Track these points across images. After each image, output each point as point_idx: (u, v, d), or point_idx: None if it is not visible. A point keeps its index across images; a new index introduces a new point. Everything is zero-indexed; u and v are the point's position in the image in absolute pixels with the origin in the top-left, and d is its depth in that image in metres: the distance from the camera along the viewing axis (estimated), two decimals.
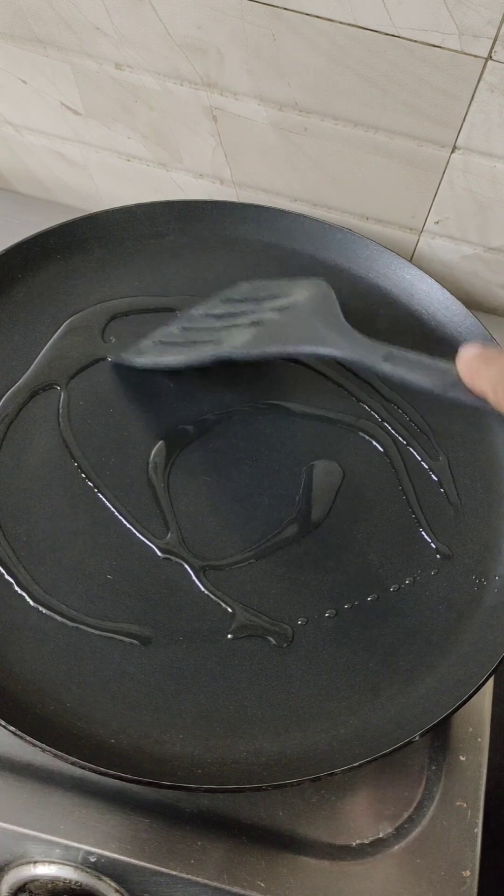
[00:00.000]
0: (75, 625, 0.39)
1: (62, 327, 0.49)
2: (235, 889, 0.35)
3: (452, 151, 0.49)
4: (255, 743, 0.37)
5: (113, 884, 0.37)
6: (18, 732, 0.34)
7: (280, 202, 0.56)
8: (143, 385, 0.48)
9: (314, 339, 0.41)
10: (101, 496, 0.43)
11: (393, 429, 0.48)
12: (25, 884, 0.38)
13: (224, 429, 0.47)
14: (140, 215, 0.54)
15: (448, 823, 0.38)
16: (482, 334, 0.51)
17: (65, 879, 0.37)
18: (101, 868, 0.36)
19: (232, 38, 0.46)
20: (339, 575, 0.42)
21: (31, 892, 0.38)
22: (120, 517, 0.42)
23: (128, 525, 0.42)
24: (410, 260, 0.56)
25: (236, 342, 0.43)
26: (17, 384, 0.46)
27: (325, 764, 0.35)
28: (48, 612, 0.39)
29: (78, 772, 0.37)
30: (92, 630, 0.39)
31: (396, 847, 0.37)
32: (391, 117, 0.48)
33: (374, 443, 0.47)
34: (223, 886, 0.35)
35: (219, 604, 0.40)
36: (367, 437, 0.47)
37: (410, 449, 0.47)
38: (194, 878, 0.35)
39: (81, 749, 0.35)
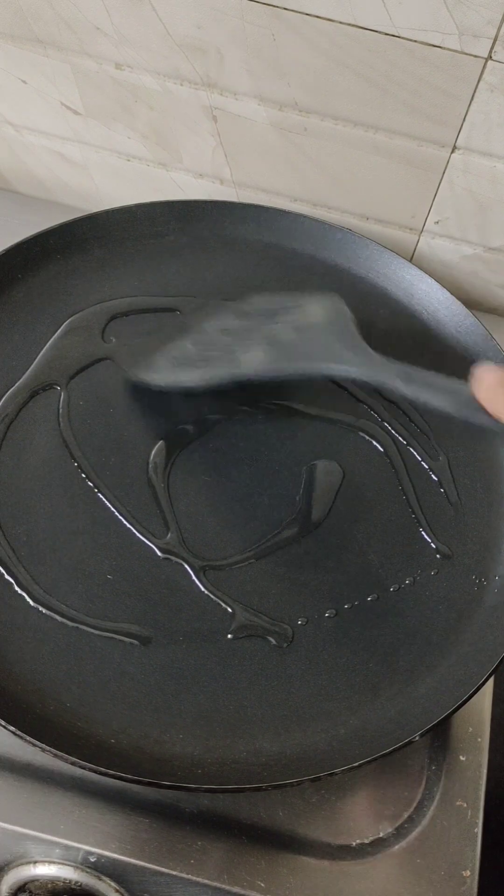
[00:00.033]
0: (75, 625, 0.39)
1: (62, 327, 0.49)
2: (235, 889, 0.35)
3: (452, 151, 0.49)
4: (255, 743, 0.37)
5: (113, 884, 0.37)
6: (18, 732, 0.34)
7: (280, 202, 0.56)
8: (143, 385, 0.48)
9: (331, 358, 0.41)
10: (101, 496, 0.43)
11: (393, 429, 0.48)
12: (25, 884, 0.38)
13: (224, 429, 0.47)
14: (140, 215, 0.54)
15: (448, 823, 0.38)
16: (482, 334, 0.51)
17: (65, 879, 0.37)
18: (101, 868, 0.36)
19: (232, 38, 0.46)
20: (339, 575, 0.42)
21: (31, 892, 0.38)
22: (120, 517, 0.42)
23: (128, 525, 0.42)
24: (410, 260, 0.56)
25: (253, 363, 0.42)
26: (17, 384, 0.46)
27: (325, 764, 0.35)
28: (48, 612, 0.39)
29: (78, 772, 0.37)
30: (92, 630, 0.39)
31: (396, 847, 0.37)
32: (391, 117, 0.48)
33: (374, 443, 0.47)
34: (223, 886, 0.35)
35: (219, 604, 0.40)
36: (367, 437, 0.47)
37: (410, 449, 0.47)
38: (194, 878, 0.35)
39: (81, 749, 0.35)
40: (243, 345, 0.44)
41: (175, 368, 0.45)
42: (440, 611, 0.42)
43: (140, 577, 0.41)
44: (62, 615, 0.39)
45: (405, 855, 0.37)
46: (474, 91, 0.45)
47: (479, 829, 0.38)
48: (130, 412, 0.46)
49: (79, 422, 0.46)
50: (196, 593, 0.41)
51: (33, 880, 0.38)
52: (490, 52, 0.43)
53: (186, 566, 0.41)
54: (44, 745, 0.33)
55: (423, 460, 0.47)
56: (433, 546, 0.44)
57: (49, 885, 0.38)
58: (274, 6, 0.44)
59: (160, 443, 0.45)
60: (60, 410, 0.46)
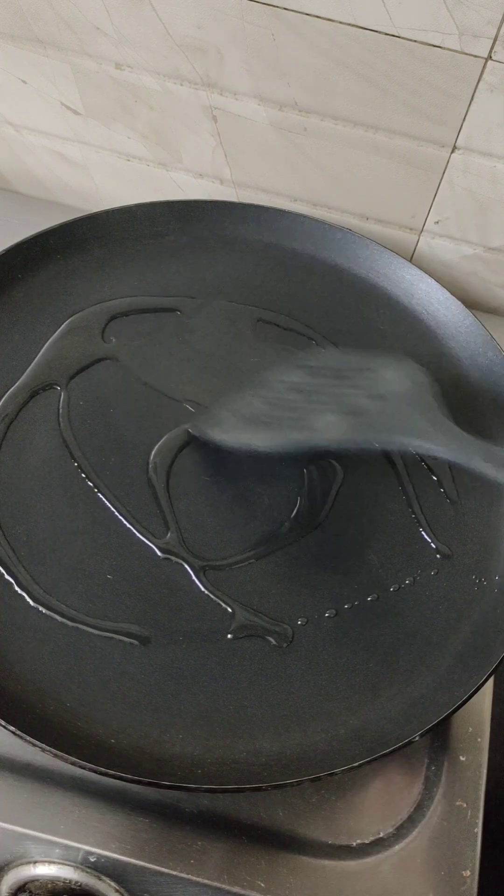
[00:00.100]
0: (75, 625, 0.39)
1: (62, 327, 0.49)
2: (235, 889, 0.35)
3: (452, 151, 0.49)
4: (254, 743, 0.37)
5: (113, 884, 0.37)
6: (18, 732, 0.34)
7: (280, 202, 0.56)
8: (143, 385, 0.48)
9: (413, 433, 0.40)
10: (101, 496, 0.43)
11: None
12: (25, 884, 0.38)
13: None
14: (140, 215, 0.54)
15: (448, 823, 0.38)
16: (482, 334, 0.51)
17: (65, 879, 0.37)
18: (101, 868, 0.36)
19: (232, 38, 0.46)
20: (339, 575, 0.42)
21: (31, 892, 0.38)
22: (120, 517, 0.42)
23: (128, 525, 0.42)
24: (410, 260, 0.56)
25: (328, 432, 0.40)
26: (17, 384, 0.46)
27: (325, 764, 0.35)
28: (48, 612, 0.39)
29: (78, 772, 0.37)
30: (92, 630, 0.39)
31: (396, 847, 0.37)
32: (391, 117, 0.48)
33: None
34: (223, 886, 0.35)
35: (219, 604, 0.40)
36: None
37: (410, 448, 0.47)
38: (194, 878, 0.35)
39: (81, 749, 0.35)
40: (314, 407, 0.42)
41: (241, 426, 0.43)
42: (440, 611, 0.42)
43: (140, 577, 0.41)
44: (62, 615, 0.39)
45: (405, 855, 0.37)
46: (474, 91, 0.45)
47: (479, 829, 0.38)
48: (130, 412, 0.46)
49: (79, 422, 0.46)
50: (196, 593, 0.41)
51: (33, 880, 0.38)
52: (490, 52, 0.43)
53: (186, 566, 0.41)
54: (44, 745, 0.33)
55: (422, 459, 0.47)
56: (433, 546, 0.44)
57: (49, 885, 0.38)
58: (274, 6, 0.44)
59: (160, 443, 0.45)
60: (60, 410, 0.46)
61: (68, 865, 0.36)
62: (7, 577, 0.40)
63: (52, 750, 0.33)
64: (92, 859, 0.36)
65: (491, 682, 0.40)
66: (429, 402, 0.41)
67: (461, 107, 0.46)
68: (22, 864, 0.37)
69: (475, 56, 0.43)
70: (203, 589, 0.41)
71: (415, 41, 0.43)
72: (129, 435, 0.46)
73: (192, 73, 0.49)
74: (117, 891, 0.37)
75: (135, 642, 0.39)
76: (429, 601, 0.42)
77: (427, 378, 0.43)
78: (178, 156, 0.56)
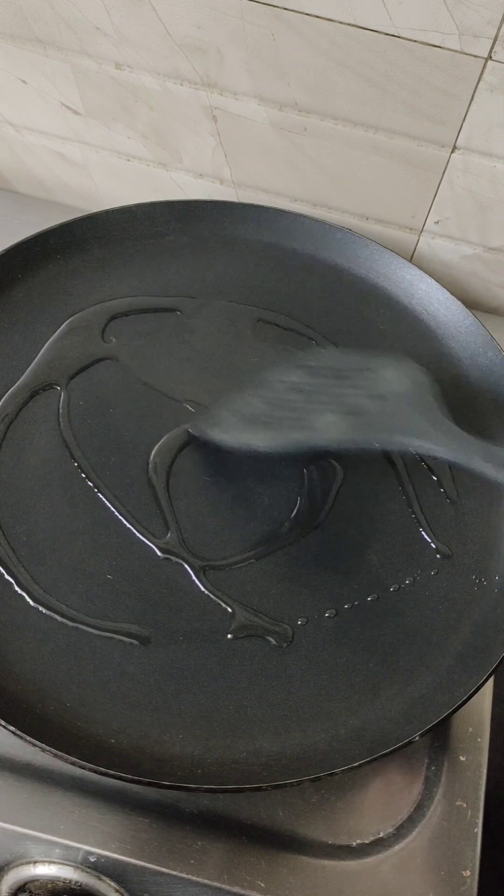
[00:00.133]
0: (75, 625, 0.39)
1: (62, 327, 0.49)
2: (235, 889, 0.35)
3: (452, 151, 0.49)
4: (254, 743, 0.37)
5: (113, 884, 0.37)
6: (18, 732, 0.34)
7: (280, 202, 0.56)
8: (143, 385, 0.48)
9: (413, 433, 0.40)
10: (101, 496, 0.43)
11: None
12: (25, 884, 0.38)
13: None
14: (140, 215, 0.54)
15: (448, 823, 0.38)
16: (482, 334, 0.51)
17: (65, 879, 0.37)
18: (101, 868, 0.36)
19: (232, 38, 0.46)
20: (339, 575, 0.42)
21: (31, 892, 0.38)
22: (120, 517, 0.42)
23: (128, 525, 0.42)
24: (410, 260, 0.56)
25: (329, 432, 0.40)
26: (17, 384, 0.46)
27: (325, 764, 0.35)
28: (48, 612, 0.39)
29: (78, 772, 0.37)
30: (92, 630, 0.39)
31: (396, 847, 0.37)
32: (391, 117, 0.48)
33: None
34: (223, 886, 0.35)
35: (219, 604, 0.40)
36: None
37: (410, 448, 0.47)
38: (194, 878, 0.35)
39: (81, 749, 0.35)
40: (314, 407, 0.41)
41: (242, 426, 0.43)
42: (440, 611, 0.42)
43: (140, 577, 0.41)
44: (62, 615, 0.39)
45: (405, 855, 0.37)
46: (474, 91, 0.45)
47: (479, 829, 0.38)
48: (130, 412, 0.46)
49: (79, 422, 0.46)
50: (196, 593, 0.41)
51: (33, 880, 0.38)
52: (490, 52, 0.43)
53: (186, 566, 0.41)
54: (44, 745, 0.33)
55: (422, 459, 0.47)
56: (433, 546, 0.44)
57: (49, 885, 0.38)
58: (274, 6, 0.44)
59: (160, 443, 0.45)
60: (60, 410, 0.46)
61: (68, 865, 0.36)
62: (7, 577, 0.40)
63: (52, 750, 0.33)
64: (92, 859, 0.36)
65: (491, 682, 0.40)
66: (429, 402, 0.41)
67: (461, 107, 0.46)
68: (22, 864, 0.37)
69: (475, 56, 0.43)
70: (203, 589, 0.41)
71: (415, 41, 0.43)
72: (129, 435, 0.46)
73: (192, 73, 0.49)
74: (117, 891, 0.37)
75: (135, 642, 0.39)
76: (429, 601, 0.42)
77: (427, 378, 0.42)
78: (178, 156, 0.56)
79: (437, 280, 0.53)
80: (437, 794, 0.39)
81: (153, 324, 0.50)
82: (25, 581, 0.40)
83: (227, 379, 0.48)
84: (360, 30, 0.44)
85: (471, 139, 0.48)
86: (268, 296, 0.53)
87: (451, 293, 0.52)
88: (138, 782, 0.33)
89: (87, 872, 0.36)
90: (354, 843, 0.38)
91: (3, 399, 0.46)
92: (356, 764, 0.35)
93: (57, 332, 0.49)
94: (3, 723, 0.34)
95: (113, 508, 0.43)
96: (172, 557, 0.41)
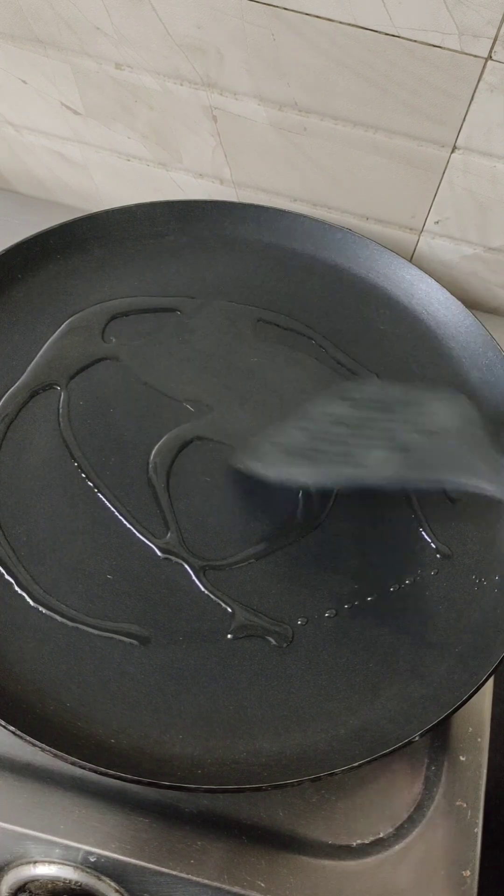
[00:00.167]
0: (75, 625, 0.39)
1: (62, 327, 0.49)
2: (235, 889, 0.35)
3: (452, 151, 0.49)
4: (254, 743, 0.37)
5: (113, 884, 0.37)
6: (18, 732, 0.34)
7: (280, 202, 0.56)
8: (143, 385, 0.48)
9: (466, 471, 0.39)
10: (101, 496, 0.43)
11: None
12: (25, 884, 0.38)
13: None
14: (140, 215, 0.54)
15: (448, 823, 0.38)
16: (482, 334, 0.51)
17: (65, 879, 0.37)
18: (101, 868, 0.36)
19: (232, 38, 0.46)
20: (339, 575, 0.42)
21: (31, 892, 0.38)
22: (120, 517, 0.42)
23: (128, 525, 0.42)
24: (410, 260, 0.56)
25: (379, 469, 0.39)
26: (17, 384, 0.46)
27: (325, 764, 0.35)
28: (48, 612, 0.39)
29: (78, 772, 0.37)
30: (92, 630, 0.39)
31: (396, 847, 0.37)
32: (391, 117, 0.48)
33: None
34: (223, 886, 0.35)
35: (219, 604, 0.40)
36: None
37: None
38: (194, 878, 0.35)
39: (81, 749, 0.35)
40: (362, 442, 0.40)
41: (285, 459, 0.41)
42: (440, 611, 0.42)
43: (140, 577, 0.41)
44: (62, 615, 0.39)
45: (405, 855, 0.37)
46: (474, 91, 0.45)
47: (479, 829, 0.38)
48: (130, 412, 0.47)
49: (79, 422, 0.46)
50: (196, 593, 0.41)
51: (33, 880, 0.38)
52: (490, 52, 0.43)
53: (186, 566, 0.41)
54: (44, 745, 0.33)
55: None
56: (433, 546, 0.44)
57: (49, 885, 0.38)
58: (274, 6, 0.44)
59: (160, 443, 0.45)
60: (60, 410, 0.46)
61: (68, 865, 0.36)
62: (7, 577, 0.40)
63: (52, 750, 0.33)
64: (92, 859, 0.36)
65: (491, 682, 0.40)
66: (479, 438, 0.40)
67: (461, 107, 0.46)
68: (22, 864, 0.37)
69: (475, 56, 0.43)
70: (203, 589, 0.41)
71: (415, 41, 0.43)
72: (129, 435, 0.46)
73: (192, 73, 0.49)
74: (117, 891, 0.37)
75: (135, 642, 0.39)
76: (429, 601, 0.42)
77: (476, 413, 0.42)
78: (178, 156, 0.56)
79: (437, 280, 0.53)
80: (437, 794, 0.39)
81: (153, 324, 0.50)
82: (25, 581, 0.40)
83: (227, 379, 0.48)
84: (360, 30, 0.44)
85: (471, 139, 0.48)
86: (268, 296, 0.53)
87: (451, 293, 0.52)
88: (138, 782, 0.33)
89: (87, 872, 0.36)
90: (354, 843, 0.38)
91: (3, 399, 0.46)
92: (356, 764, 0.35)
93: (57, 332, 0.49)
94: (3, 723, 0.34)
95: (113, 508, 0.43)
96: (172, 557, 0.41)
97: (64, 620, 0.39)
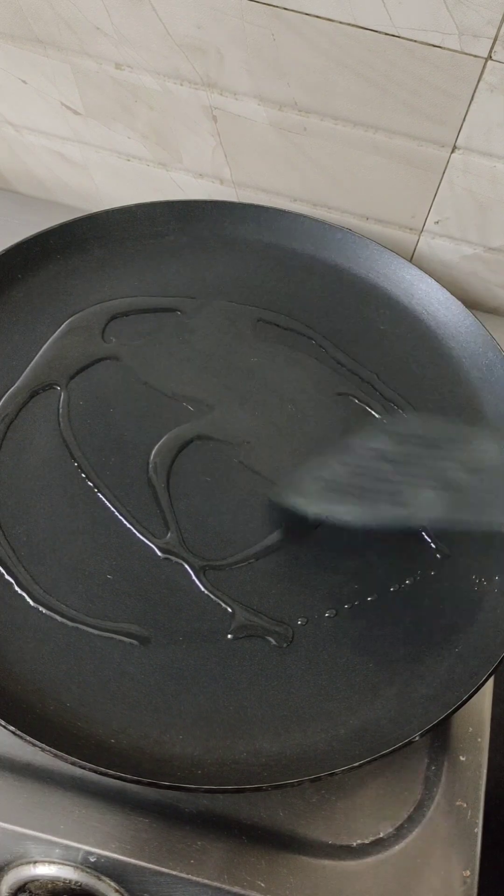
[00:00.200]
0: (75, 625, 0.39)
1: (62, 327, 0.49)
2: (235, 889, 0.35)
3: (452, 151, 0.49)
4: (254, 743, 0.37)
5: (113, 884, 0.37)
6: (18, 732, 0.34)
7: (280, 202, 0.56)
8: (143, 385, 0.48)
9: None
10: (101, 496, 0.43)
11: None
12: (25, 884, 0.38)
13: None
14: (140, 215, 0.54)
15: (448, 823, 0.38)
16: (482, 334, 0.50)
17: (65, 879, 0.37)
18: (101, 868, 0.36)
19: (232, 38, 0.46)
20: (339, 575, 0.42)
21: (31, 892, 0.38)
22: (120, 517, 0.42)
23: (128, 525, 0.42)
24: (410, 260, 0.56)
25: (432, 511, 0.38)
26: (16, 384, 0.46)
27: (325, 764, 0.35)
28: (48, 612, 0.39)
29: (78, 772, 0.37)
30: (92, 630, 0.39)
31: (396, 847, 0.37)
32: (391, 117, 0.48)
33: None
34: (223, 886, 0.35)
35: (219, 604, 0.40)
36: None
37: None
38: (194, 878, 0.35)
39: (81, 749, 0.35)
40: (407, 480, 0.39)
41: (327, 495, 0.40)
42: (440, 611, 0.42)
43: (140, 577, 0.41)
44: (62, 615, 0.39)
45: (405, 855, 0.37)
46: (474, 91, 0.45)
47: (479, 829, 0.38)
48: (130, 412, 0.47)
49: (79, 422, 0.46)
50: (196, 593, 0.41)
51: (33, 880, 0.38)
52: (490, 52, 0.43)
53: (186, 566, 0.41)
54: (44, 745, 0.33)
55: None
56: (433, 546, 0.44)
57: (49, 885, 0.38)
58: (274, 6, 0.44)
59: (160, 443, 0.45)
60: (60, 410, 0.46)
61: (68, 865, 0.36)
62: (7, 577, 0.40)
63: (52, 750, 0.33)
64: (92, 859, 0.36)
65: (491, 682, 0.40)
66: None
67: (461, 107, 0.46)
68: (22, 864, 0.37)
69: (475, 56, 0.43)
70: (203, 589, 0.41)
71: (415, 41, 0.43)
72: (129, 435, 0.46)
73: (192, 73, 0.49)
74: (117, 891, 0.37)
75: (135, 642, 0.39)
76: (429, 601, 0.42)
77: None
78: (178, 156, 0.56)
79: (437, 280, 0.53)
80: (437, 794, 0.39)
81: (153, 324, 0.50)
82: (25, 581, 0.40)
83: (227, 379, 0.48)
84: (360, 30, 0.44)
85: (471, 139, 0.48)
86: (268, 296, 0.53)
87: (451, 293, 0.52)
88: (138, 782, 0.33)
89: (87, 872, 0.36)
90: (354, 843, 0.38)
91: (3, 399, 0.46)
92: (356, 764, 0.35)
93: (57, 332, 0.49)
94: (3, 723, 0.34)
95: (113, 508, 0.43)
96: (172, 557, 0.41)
97: (64, 620, 0.39)
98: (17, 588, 0.40)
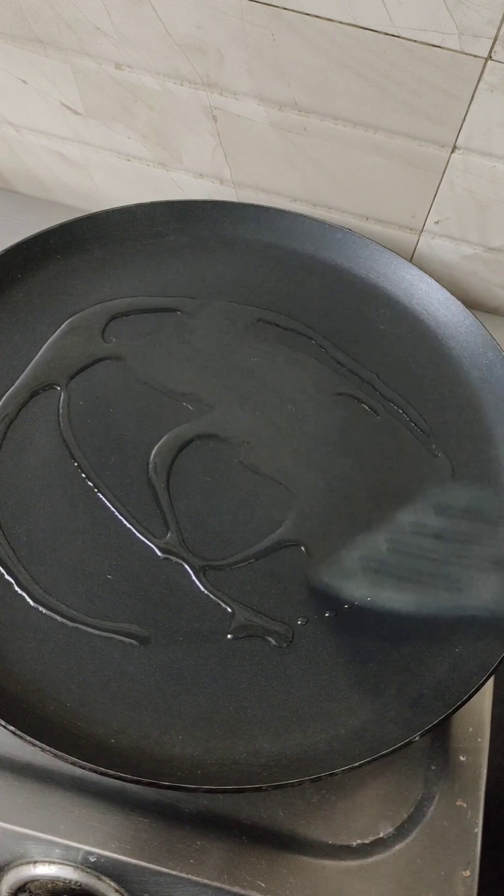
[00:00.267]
0: (75, 625, 0.39)
1: (62, 327, 0.49)
2: (235, 889, 0.35)
3: (452, 151, 0.49)
4: (254, 743, 0.37)
5: (113, 884, 0.37)
6: (18, 732, 0.34)
7: (280, 202, 0.56)
8: (143, 385, 0.48)
9: None
10: (101, 496, 0.43)
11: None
12: (25, 884, 0.38)
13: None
14: (140, 215, 0.54)
15: (448, 823, 0.38)
16: (482, 334, 0.50)
17: (65, 879, 0.37)
18: (101, 868, 0.36)
19: (232, 38, 0.46)
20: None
21: (31, 892, 0.38)
22: (120, 517, 0.42)
23: (128, 525, 0.42)
24: (410, 260, 0.56)
25: (490, 595, 0.35)
26: (16, 384, 0.46)
27: (325, 764, 0.35)
28: (48, 612, 0.39)
29: (78, 772, 0.37)
30: (92, 630, 0.39)
31: (396, 847, 0.37)
32: (391, 117, 0.48)
33: None
34: (223, 886, 0.35)
35: (219, 604, 0.40)
36: None
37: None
38: (194, 878, 0.35)
39: (81, 749, 0.35)
40: (462, 562, 0.36)
41: (374, 579, 0.38)
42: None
43: (140, 577, 0.41)
44: (62, 615, 0.39)
45: (405, 855, 0.37)
46: (474, 91, 0.45)
47: (479, 829, 0.38)
48: (130, 412, 0.47)
49: (79, 422, 0.46)
50: (196, 593, 0.41)
51: (33, 880, 0.38)
52: (490, 52, 0.43)
53: (186, 566, 0.41)
54: (44, 745, 0.33)
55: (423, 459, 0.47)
56: None
57: (49, 885, 0.38)
58: (274, 6, 0.44)
59: (160, 443, 0.45)
60: (60, 410, 0.46)
61: (68, 865, 0.36)
62: (7, 577, 0.40)
63: (52, 750, 0.33)
64: (92, 859, 0.36)
65: (491, 682, 0.40)
66: None
67: (461, 107, 0.46)
68: (22, 864, 0.37)
69: (475, 56, 0.43)
70: (203, 589, 0.41)
71: (415, 41, 0.43)
72: (129, 435, 0.46)
73: (192, 73, 0.49)
74: (117, 891, 0.37)
75: (135, 642, 0.39)
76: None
77: None
78: (178, 156, 0.56)
79: (437, 280, 0.53)
80: (437, 794, 0.39)
81: (153, 324, 0.50)
82: (25, 581, 0.40)
83: (227, 379, 0.48)
84: (360, 30, 0.44)
85: (471, 139, 0.48)
86: (268, 296, 0.53)
87: (451, 293, 0.52)
88: (138, 782, 0.33)
89: (87, 872, 0.36)
90: (354, 843, 0.38)
91: (3, 399, 0.46)
92: (356, 764, 0.35)
93: (57, 332, 0.49)
94: (3, 723, 0.34)
95: (113, 508, 0.43)
96: (172, 557, 0.41)
97: (64, 620, 0.39)
98: (17, 588, 0.40)
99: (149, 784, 0.33)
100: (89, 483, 0.43)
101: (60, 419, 0.45)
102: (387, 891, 0.36)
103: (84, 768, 0.33)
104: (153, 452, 0.45)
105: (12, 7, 0.48)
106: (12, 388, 0.46)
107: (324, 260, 0.55)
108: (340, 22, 0.43)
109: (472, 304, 0.58)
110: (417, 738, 0.36)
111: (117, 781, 0.34)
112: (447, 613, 0.36)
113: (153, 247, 0.54)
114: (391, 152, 0.50)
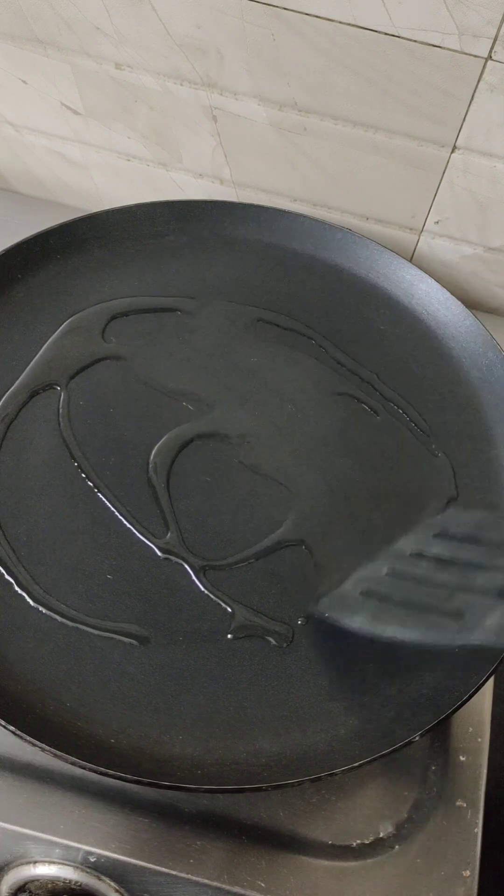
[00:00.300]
0: (75, 625, 0.39)
1: (62, 327, 0.49)
2: (235, 889, 0.35)
3: (452, 151, 0.49)
4: (254, 743, 0.37)
5: (113, 884, 0.37)
6: (18, 732, 0.34)
7: (280, 202, 0.56)
8: (143, 385, 0.48)
9: None
10: (101, 496, 0.43)
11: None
12: (25, 884, 0.38)
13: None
14: (140, 215, 0.54)
15: (448, 823, 0.38)
16: (482, 334, 0.50)
17: (65, 879, 0.37)
18: (101, 868, 0.36)
19: (232, 38, 0.46)
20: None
21: (31, 892, 0.38)
22: (120, 517, 0.42)
23: (128, 525, 0.42)
24: (410, 260, 0.56)
25: (491, 626, 0.35)
26: (16, 384, 0.46)
27: (325, 764, 0.35)
28: (48, 612, 0.39)
29: (78, 772, 0.37)
30: (92, 630, 0.39)
31: (396, 847, 0.37)
32: (391, 117, 0.48)
33: None
34: (223, 886, 0.35)
35: (219, 604, 0.40)
36: None
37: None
38: (194, 878, 0.35)
39: (81, 749, 0.35)
40: (468, 594, 0.36)
41: (377, 613, 0.37)
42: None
43: (140, 577, 0.41)
44: (62, 615, 0.39)
45: (405, 855, 0.37)
46: (474, 91, 0.45)
47: (479, 829, 0.38)
48: (130, 412, 0.47)
49: (79, 422, 0.46)
50: (196, 593, 0.41)
51: (33, 880, 0.38)
52: (490, 52, 0.43)
53: (186, 566, 0.41)
54: (44, 745, 0.33)
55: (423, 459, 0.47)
56: None
57: (49, 885, 0.38)
58: (274, 6, 0.44)
59: (160, 443, 0.45)
60: (60, 410, 0.46)
61: (68, 865, 0.36)
62: (7, 577, 0.40)
63: (52, 750, 0.33)
64: (92, 859, 0.36)
65: (491, 682, 0.40)
66: None
67: (461, 107, 0.46)
68: (22, 864, 0.37)
69: (475, 56, 0.43)
70: (203, 589, 0.41)
71: (415, 41, 0.43)
72: (129, 435, 0.46)
73: (192, 73, 0.49)
74: (117, 891, 0.37)
75: (135, 642, 0.39)
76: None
77: None
78: (178, 156, 0.56)
79: (437, 280, 0.53)
80: (437, 794, 0.39)
81: (153, 324, 0.50)
82: (25, 581, 0.40)
83: (227, 380, 0.48)
84: (360, 30, 0.44)
85: (471, 139, 0.48)
86: (268, 296, 0.53)
87: (451, 293, 0.52)
88: (138, 782, 0.33)
89: (87, 872, 0.36)
90: (354, 843, 0.38)
91: (3, 399, 0.46)
92: (356, 764, 0.35)
93: (57, 332, 0.49)
94: (3, 723, 0.34)
95: (113, 508, 0.43)
96: (172, 557, 0.41)
97: (64, 620, 0.39)
98: (17, 588, 0.40)
99: (149, 784, 0.33)
100: (89, 483, 0.43)
101: (60, 419, 0.45)
102: (387, 891, 0.36)
103: (84, 768, 0.33)
104: (153, 452, 0.45)
105: (12, 7, 0.48)
106: (12, 388, 0.46)
107: (324, 260, 0.55)
108: (340, 22, 0.43)
109: (472, 304, 0.58)
110: (417, 738, 0.36)
111: (117, 781, 0.34)
112: (460, 646, 0.36)
113: (153, 247, 0.54)
114: (391, 152, 0.50)
